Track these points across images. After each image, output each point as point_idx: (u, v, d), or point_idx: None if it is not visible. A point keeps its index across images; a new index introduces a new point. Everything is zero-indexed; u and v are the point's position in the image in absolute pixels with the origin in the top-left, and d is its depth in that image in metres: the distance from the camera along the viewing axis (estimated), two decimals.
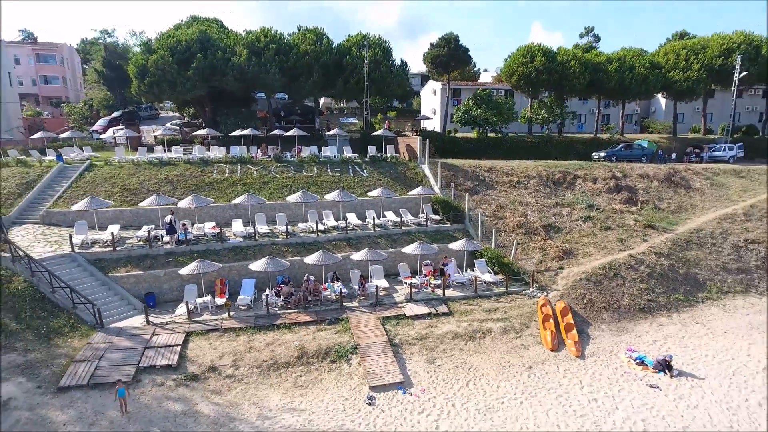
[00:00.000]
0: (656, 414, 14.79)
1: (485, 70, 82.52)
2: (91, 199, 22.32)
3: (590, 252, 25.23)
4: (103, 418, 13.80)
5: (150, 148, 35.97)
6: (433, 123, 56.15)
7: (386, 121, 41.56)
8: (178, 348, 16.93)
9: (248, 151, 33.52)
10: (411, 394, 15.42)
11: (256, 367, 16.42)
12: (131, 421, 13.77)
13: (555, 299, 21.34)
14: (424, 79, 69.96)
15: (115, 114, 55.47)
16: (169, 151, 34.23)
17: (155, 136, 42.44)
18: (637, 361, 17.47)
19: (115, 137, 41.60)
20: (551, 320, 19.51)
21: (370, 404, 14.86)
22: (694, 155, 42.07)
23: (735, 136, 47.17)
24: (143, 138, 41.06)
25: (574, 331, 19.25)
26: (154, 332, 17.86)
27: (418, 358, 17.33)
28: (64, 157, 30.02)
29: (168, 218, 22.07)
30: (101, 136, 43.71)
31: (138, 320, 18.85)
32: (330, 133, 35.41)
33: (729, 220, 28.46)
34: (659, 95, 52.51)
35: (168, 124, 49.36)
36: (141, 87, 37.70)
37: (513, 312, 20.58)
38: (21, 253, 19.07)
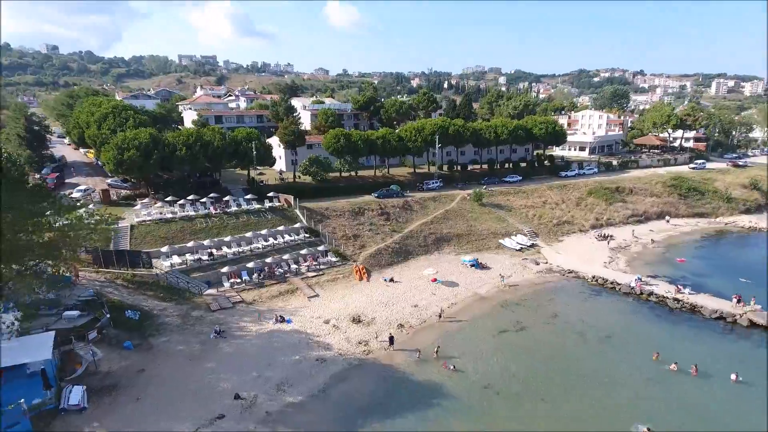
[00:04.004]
0: (387, 294, 52.78)
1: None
2: (170, 246, 51.62)
3: (371, 245, 63.29)
4: (236, 313, 46.00)
5: (114, 202, 62.82)
6: (281, 166, 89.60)
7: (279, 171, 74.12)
8: (238, 296, 49.22)
9: (193, 204, 62.92)
10: (319, 297, 50.79)
11: (268, 298, 49.81)
12: (245, 313, 46.31)
13: (359, 264, 58.47)
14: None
15: (45, 170, 75.89)
16: (148, 206, 61.59)
17: (117, 194, 68.02)
18: (384, 280, 55.69)
19: (91, 196, 65.86)
20: (357, 271, 56.61)
21: (309, 300, 49.83)
22: (420, 186, 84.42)
23: (441, 170, 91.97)
24: (111, 195, 66.13)
25: (366, 274, 56.64)
26: (225, 292, 49.56)
27: (319, 289, 52.65)
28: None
29: (208, 250, 52.91)
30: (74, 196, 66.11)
31: (212, 291, 49.95)
32: (247, 197, 66.75)
33: (424, 224, 69.72)
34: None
35: (109, 181, 73.35)
36: (119, 170, 63.51)
37: (345, 271, 57.07)
38: (161, 271, 48.43)
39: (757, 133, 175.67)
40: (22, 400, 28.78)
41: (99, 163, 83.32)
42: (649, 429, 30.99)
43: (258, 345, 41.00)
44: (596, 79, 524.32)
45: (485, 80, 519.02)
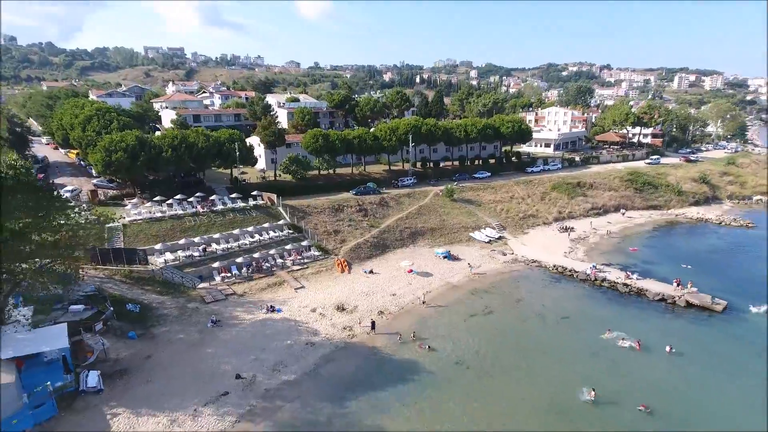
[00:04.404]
0: (367, 284, 57.37)
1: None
2: (163, 243, 54.95)
3: (351, 239, 67.71)
4: (229, 304, 49.92)
5: (103, 202, 65.38)
6: (261, 165, 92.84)
7: (261, 170, 77.34)
8: (230, 289, 53.06)
9: (180, 203, 66.09)
10: (305, 289, 55.04)
11: (257, 290, 53.79)
12: (237, 304, 50.25)
13: (341, 257, 62.86)
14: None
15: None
16: (136, 206, 64.50)
17: (104, 194, 70.53)
18: (364, 272, 60.25)
19: (80, 196, 68.23)
20: (339, 264, 61.02)
21: (296, 291, 54.03)
22: (395, 183, 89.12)
23: (415, 167, 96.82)
24: (99, 195, 68.63)
25: (347, 267, 61.08)
26: (217, 286, 53.31)
27: (304, 281, 56.86)
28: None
29: (201, 247, 56.43)
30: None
31: (204, 285, 53.60)
32: (232, 196, 70.20)
33: (400, 219, 74.49)
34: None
35: (95, 181, 75.64)
36: (107, 171, 66.13)
37: (327, 264, 61.40)
38: (156, 267, 51.83)
39: (711, 128, 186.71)
40: (48, 382, 32.37)
41: (82, 163, 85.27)
42: (593, 390, 36.60)
43: (252, 332, 45.07)
44: (564, 73, 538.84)
45: (457, 74, 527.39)
